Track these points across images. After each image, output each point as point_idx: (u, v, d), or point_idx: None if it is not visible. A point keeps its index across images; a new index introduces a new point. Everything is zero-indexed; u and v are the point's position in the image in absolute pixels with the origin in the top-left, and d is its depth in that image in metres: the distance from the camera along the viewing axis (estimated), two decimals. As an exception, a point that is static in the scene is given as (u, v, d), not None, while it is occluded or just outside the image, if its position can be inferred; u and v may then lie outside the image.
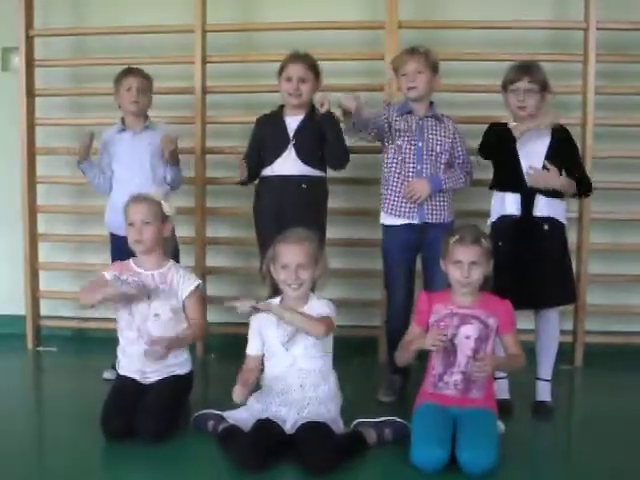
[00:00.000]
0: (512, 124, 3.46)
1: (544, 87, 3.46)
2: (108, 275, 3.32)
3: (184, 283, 3.31)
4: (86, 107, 4.85)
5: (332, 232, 3.98)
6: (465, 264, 2.98)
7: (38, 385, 4.20)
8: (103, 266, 3.92)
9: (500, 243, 3.31)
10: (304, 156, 3.74)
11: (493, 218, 3.54)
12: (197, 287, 3.34)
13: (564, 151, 3.50)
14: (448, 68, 3.79)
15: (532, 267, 3.38)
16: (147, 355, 3.16)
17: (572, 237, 4.21)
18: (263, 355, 3.16)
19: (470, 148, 3.73)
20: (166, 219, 3.35)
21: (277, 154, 3.77)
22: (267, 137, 3.83)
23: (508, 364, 3.12)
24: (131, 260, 3.36)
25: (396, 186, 3.65)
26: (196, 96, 4.50)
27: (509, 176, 3.46)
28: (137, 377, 3.27)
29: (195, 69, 4.48)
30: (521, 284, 3.33)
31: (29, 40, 4.63)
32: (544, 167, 3.40)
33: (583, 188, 3.55)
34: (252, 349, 3.16)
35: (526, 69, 3.45)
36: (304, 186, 3.73)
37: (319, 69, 3.81)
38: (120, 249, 3.73)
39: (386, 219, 3.72)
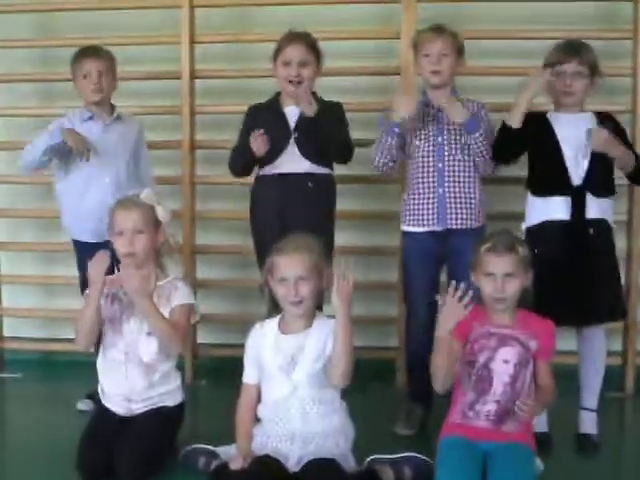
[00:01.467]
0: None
1: (594, 70, 3.48)
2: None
3: (181, 294, 3.32)
4: (55, 94, 4.87)
5: (341, 238, 4.00)
6: (498, 276, 2.98)
7: (1, 417, 4.19)
8: (74, 279, 3.96)
9: (536, 250, 3.31)
10: (308, 152, 3.75)
11: (531, 222, 3.54)
12: (190, 305, 3.35)
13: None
14: (474, 48, 3.80)
15: (575, 277, 3.39)
16: None
17: (620, 243, 4.21)
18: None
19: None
20: (159, 226, 3.35)
21: (278, 150, 3.77)
22: (264, 131, 3.78)
23: (539, 407, 3.08)
24: (122, 272, 3.35)
25: (415, 192, 3.68)
26: (183, 82, 4.51)
27: (553, 175, 3.47)
28: (121, 410, 3.28)
29: (182, 50, 4.50)
30: (561, 297, 3.34)
31: (-13, 17, 4.66)
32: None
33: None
34: (249, 377, 3.17)
35: (576, 49, 3.48)
36: (311, 185, 3.74)
37: (320, 50, 3.82)
38: (86, 258, 3.75)
39: (406, 226, 3.75)
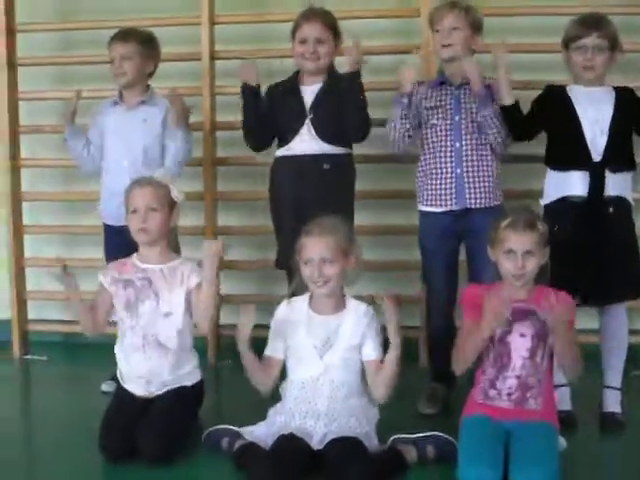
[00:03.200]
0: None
1: (614, 44, 3.45)
2: (105, 278, 3.36)
3: (196, 273, 3.33)
4: (77, 78, 4.86)
5: (361, 218, 3.99)
6: (518, 254, 2.96)
7: (26, 399, 4.25)
8: (97, 261, 3.98)
9: (556, 227, 3.29)
10: (324, 132, 3.74)
11: (549, 199, 3.52)
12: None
13: (633, 113, 3.48)
14: (496, 24, 3.77)
15: (594, 255, 3.37)
16: None
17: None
18: (284, 360, 3.19)
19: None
20: (174, 206, 3.36)
21: (293, 131, 3.77)
22: (280, 111, 3.82)
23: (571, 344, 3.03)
24: (134, 256, 3.38)
25: (431, 172, 3.66)
26: (203, 63, 4.53)
27: (572, 149, 3.44)
28: (140, 391, 3.30)
29: (202, 31, 4.51)
30: (581, 275, 3.32)
31: (9, 1, 4.65)
32: None
33: None
34: (274, 350, 3.19)
35: (594, 23, 3.44)
36: (327, 166, 3.73)
37: (339, 28, 3.80)
38: (115, 242, 3.80)
39: (423, 206, 3.73)
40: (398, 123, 3.63)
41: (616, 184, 3.42)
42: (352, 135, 3.81)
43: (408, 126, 3.64)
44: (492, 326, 2.93)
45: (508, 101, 3.48)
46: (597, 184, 3.39)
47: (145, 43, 3.96)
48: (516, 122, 3.54)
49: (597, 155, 3.40)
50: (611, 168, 3.40)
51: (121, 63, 3.89)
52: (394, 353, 3.03)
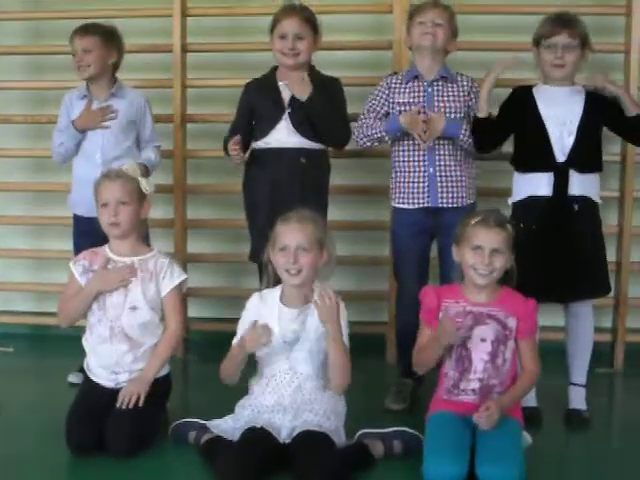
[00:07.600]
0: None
1: (584, 43, 3.48)
2: (76, 267, 3.36)
3: (168, 276, 3.34)
4: (46, 68, 4.86)
5: (333, 213, 4.01)
6: (486, 250, 2.97)
7: (-8, 391, 4.24)
8: (66, 253, 3.97)
9: (522, 224, 3.32)
10: (302, 126, 3.75)
11: (517, 198, 3.55)
12: (181, 283, 3.38)
13: (602, 111, 3.49)
14: (467, 23, 3.80)
15: (559, 253, 3.40)
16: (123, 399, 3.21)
17: (612, 219, 4.24)
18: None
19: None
20: (144, 198, 3.37)
21: (271, 125, 3.78)
22: (259, 105, 3.84)
23: (518, 396, 3.08)
24: (106, 246, 3.38)
25: (404, 170, 3.69)
26: (174, 55, 4.50)
27: (536, 151, 3.48)
28: (108, 382, 3.30)
29: (173, 23, 4.49)
30: (545, 273, 3.36)
31: (-22, -10, 4.64)
32: None
33: None
34: None
35: (565, 21, 3.47)
36: (303, 160, 3.75)
37: (318, 24, 3.83)
38: (83, 234, 3.80)
39: (397, 203, 3.76)
40: (375, 140, 3.72)
41: (581, 184, 3.44)
42: (331, 144, 3.91)
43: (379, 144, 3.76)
44: (446, 344, 2.97)
45: (481, 115, 3.50)
46: (561, 185, 3.42)
47: (105, 35, 3.93)
48: (483, 135, 3.57)
49: (562, 156, 3.43)
50: (577, 168, 3.42)
51: (82, 56, 3.87)
52: (331, 342, 3.03)
